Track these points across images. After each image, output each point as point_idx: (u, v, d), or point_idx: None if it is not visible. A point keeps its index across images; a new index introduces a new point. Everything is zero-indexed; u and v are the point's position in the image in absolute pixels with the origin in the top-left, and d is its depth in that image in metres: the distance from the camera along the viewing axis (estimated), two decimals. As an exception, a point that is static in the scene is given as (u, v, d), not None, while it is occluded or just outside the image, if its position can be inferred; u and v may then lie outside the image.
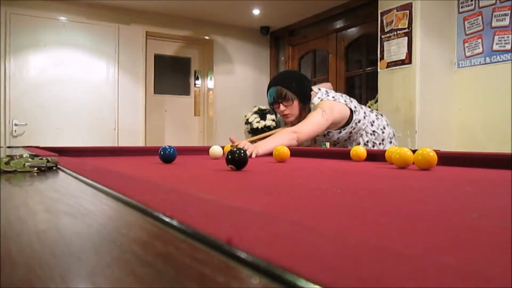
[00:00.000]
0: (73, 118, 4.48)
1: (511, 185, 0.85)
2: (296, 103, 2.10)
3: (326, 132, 2.21)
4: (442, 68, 3.47)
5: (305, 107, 2.14)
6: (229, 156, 1.11)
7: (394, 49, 3.51)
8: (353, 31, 4.63)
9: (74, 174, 0.61)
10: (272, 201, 0.63)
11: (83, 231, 0.28)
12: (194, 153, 2.23)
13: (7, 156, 0.69)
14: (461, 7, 3.50)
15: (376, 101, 3.88)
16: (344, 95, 2.26)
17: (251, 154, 1.71)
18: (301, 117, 2.13)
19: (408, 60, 3.38)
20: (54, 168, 0.71)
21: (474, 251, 0.34)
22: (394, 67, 3.50)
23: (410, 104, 3.36)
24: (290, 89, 2.09)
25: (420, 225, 0.46)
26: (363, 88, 4.57)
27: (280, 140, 1.87)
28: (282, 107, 2.12)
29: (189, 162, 1.57)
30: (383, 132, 2.27)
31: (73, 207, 0.36)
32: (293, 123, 2.14)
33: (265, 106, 5.58)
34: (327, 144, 2.80)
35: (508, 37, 3.17)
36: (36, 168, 0.68)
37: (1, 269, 0.18)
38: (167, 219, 0.28)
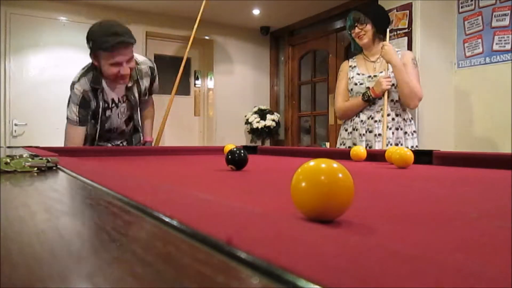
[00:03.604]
0: (73, 118, 4.48)
1: (511, 185, 0.85)
2: (369, 26, 2.32)
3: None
4: (442, 68, 3.47)
5: (378, 36, 2.36)
6: (229, 156, 1.11)
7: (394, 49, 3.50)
8: (353, 31, 4.63)
9: (74, 174, 0.61)
10: (272, 201, 0.63)
11: (83, 231, 0.28)
12: (194, 153, 2.23)
13: (7, 156, 0.69)
14: (461, 7, 3.50)
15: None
16: None
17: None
18: (373, 44, 2.36)
19: (408, 60, 3.38)
20: (54, 168, 0.71)
21: (474, 251, 0.34)
22: (394, 67, 3.49)
23: (410, 104, 3.35)
24: (365, 14, 2.33)
25: (420, 225, 0.46)
26: (363, 88, 4.57)
27: (412, 84, 2.21)
28: (357, 30, 2.34)
29: (189, 162, 1.57)
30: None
31: (73, 207, 0.36)
32: (365, 45, 2.36)
33: (265, 106, 5.58)
34: (327, 144, 2.82)
35: (508, 37, 3.17)
36: (36, 168, 0.68)
37: (1, 269, 0.18)
38: (167, 219, 0.28)
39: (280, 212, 0.52)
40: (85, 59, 4.93)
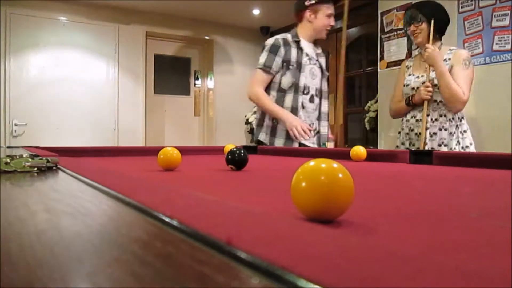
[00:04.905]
0: (73, 118, 4.48)
1: (511, 185, 0.85)
2: (424, 25, 2.32)
3: None
4: (442, 68, 3.46)
5: (434, 35, 2.34)
6: (229, 156, 1.11)
7: (394, 49, 3.51)
8: (353, 31, 4.63)
9: (74, 174, 0.61)
10: (272, 201, 0.63)
11: (83, 231, 0.28)
12: (194, 153, 2.23)
13: (7, 156, 0.69)
14: (461, 7, 3.50)
15: (376, 101, 3.88)
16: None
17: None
18: (428, 44, 2.31)
19: (408, 60, 3.38)
20: (54, 168, 0.71)
21: (474, 251, 0.34)
22: (394, 67, 3.50)
23: (410, 104, 3.35)
24: (422, 12, 2.34)
25: (420, 225, 0.46)
26: (363, 88, 4.57)
27: (453, 88, 2.21)
28: (412, 27, 2.34)
29: (189, 162, 1.57)
30: None
31: (73, 207, 0.36)
32: (419, 44, 2.35)
33: (265, 106, 5.58)
34: (327, 144, 2.82)
35: (508, 37, 3.17)
36: (36, 168, 0.68)
37: (1, 269, 0.18)
38: (167, 219, 0.28)
39: (280, 212, 0.52)
40: (85, 59, 4.92)
